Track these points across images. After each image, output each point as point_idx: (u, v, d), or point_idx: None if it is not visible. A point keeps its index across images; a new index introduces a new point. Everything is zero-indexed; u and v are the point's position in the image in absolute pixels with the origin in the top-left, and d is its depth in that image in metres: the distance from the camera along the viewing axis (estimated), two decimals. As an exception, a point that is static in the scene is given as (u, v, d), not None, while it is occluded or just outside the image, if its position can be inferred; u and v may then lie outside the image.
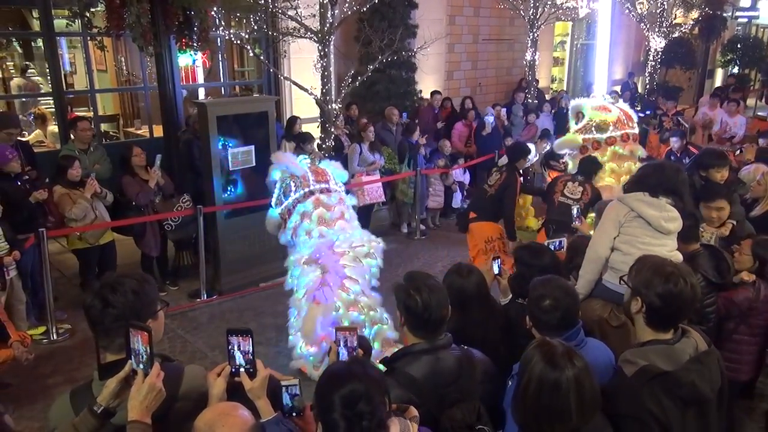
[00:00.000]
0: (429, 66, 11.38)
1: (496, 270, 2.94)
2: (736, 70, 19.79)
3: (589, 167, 5.46)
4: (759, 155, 5.79)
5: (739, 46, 19.45)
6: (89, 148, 6.12)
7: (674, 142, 7.79)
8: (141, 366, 1.71)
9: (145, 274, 2.25)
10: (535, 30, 10.97)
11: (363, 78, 7.99)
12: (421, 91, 10.70)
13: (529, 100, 11.09)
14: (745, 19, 21.13)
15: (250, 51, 7.46)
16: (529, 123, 10.26)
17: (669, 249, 2.91)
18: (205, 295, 6.19)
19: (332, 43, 7.64)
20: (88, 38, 7.98)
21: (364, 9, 7.82)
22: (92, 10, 6.71)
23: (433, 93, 10.37)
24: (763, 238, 3.51)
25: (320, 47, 7.20)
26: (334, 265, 4.47)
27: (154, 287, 1.92)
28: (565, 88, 15.82)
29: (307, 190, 4.84)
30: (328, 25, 7.07)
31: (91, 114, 8.30)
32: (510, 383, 2.09)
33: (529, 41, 11.13)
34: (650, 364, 1.98)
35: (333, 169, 5.22)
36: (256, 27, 7.15)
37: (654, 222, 2.84)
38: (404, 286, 2.17)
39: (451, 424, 2.02)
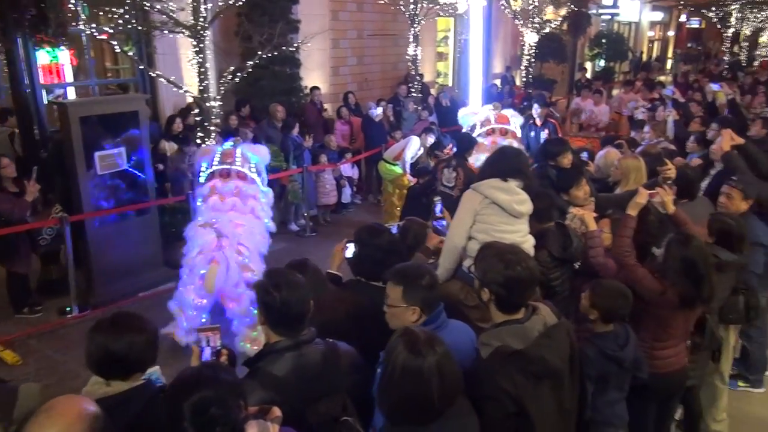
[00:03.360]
0: (314, 62, 11.30)
1: (349, 254, 2.97)
2: (602, 63, 21.50)
3: (465, 144, 5.65)
4: (604, 142, 6.28)
5: (604, 41, 21.15)
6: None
7: (535, 110, 8.23)
8: None
9: None
10: (415, 25, 11.20)
11: (243, 74, 7.77)
12: (306, 87, 10.61)
13: (414, 94, 11.33)
14: (608, 17, 22.89)
15: (117, 47, 6.99)
16: (422, 119, 10.50)
17: (522, 234, 3.05)
18: (77, 310, 5.75)
19: (209, 38, 7.37)
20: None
21: (241, 2, 7.57)
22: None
23: (312, 89, 10.31)
24: (616, 217, 3.81)
25: (195, 42, 6.91)
26: (230, 230, 4.77)
27: None
28: (450, 83, 16.34)
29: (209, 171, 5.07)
30: (201, 19, 6.79)
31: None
32: (378, 371, 2.11)
33: (411, 36, 11.35)
34: (503, 345, 2.07)
35: (251, 154, 5.23)
36: (121, 21, 6.70)
37: (507, 206, 2.96)
38: (263, 283, 2.12)
39: (316, 418, 2.00)
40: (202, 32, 6.86)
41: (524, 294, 2.19)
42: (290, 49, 8.59)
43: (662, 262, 2.99)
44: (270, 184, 7.88)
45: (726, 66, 19.16)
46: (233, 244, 4.73)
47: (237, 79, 7.57)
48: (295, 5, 10.04)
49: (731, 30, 20.43)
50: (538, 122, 8.23)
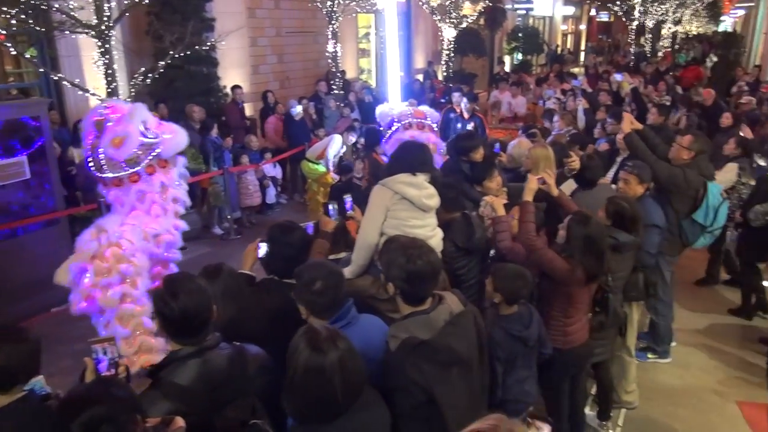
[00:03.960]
0: (232, 60, 11.06)
1: (261, 253, 2.95)
2: (520, 56, 22.23)
3: (373, 137, 5.74)
4: (525, 131, 6.52)
5: (520, 35, 21.87)
6: None
7: (456, 98, 8.49)
8: None
9: None
10: (334, 22, 11.17)
11: (156, 75, 7.49)
12: (225, 87, 10.36)
13: (335, 91, 11.30)
14: (524, 11, 23.67)
15: (12, 49, 6.56)
16: (344, 116, 10.48)
17: (431, 228, 3.12)
18: (-18, 331, 5.37)
19: (117, 38, 7.05)
20: None
21: (146, 1, 7.29)
22: None
23: (233, 88, 10.10)
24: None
25: (99, 43, 6.60)
26: (115, 228, 4.14)
27: None
28: (374, 79, 16.41)
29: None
30: (105, 18, 6.49)
31: None
32: None
33: (330, 33, 11.31)
34: (410, 336, 2.11)
35: None
36: (15, 22, 6.29)
37: (416, 201, 3.00)
38: (159, 292, 2.05)
39: (224, 423, 1.97)
40: (107, 32, 6.55)
41: (427, 286, 2.23)
42: (204, 48, 8.32)
43: (565, 242, 3.13)
44: (190, 187, 7.71)
45: (632, 57, 20.28)
46: (112, 239, 4.15)
47: (149, 81, 7.30)
48: (209, 3, 9.78)
49: (635, 23, 21.60)
50: (466, 115, 8.45)
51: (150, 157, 5.03)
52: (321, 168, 7.50)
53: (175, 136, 4.97)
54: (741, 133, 6.30)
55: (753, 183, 5.45)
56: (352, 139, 7.90)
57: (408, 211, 3.00)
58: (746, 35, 24.12)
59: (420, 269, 2.17)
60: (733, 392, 4.48)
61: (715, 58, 17.70)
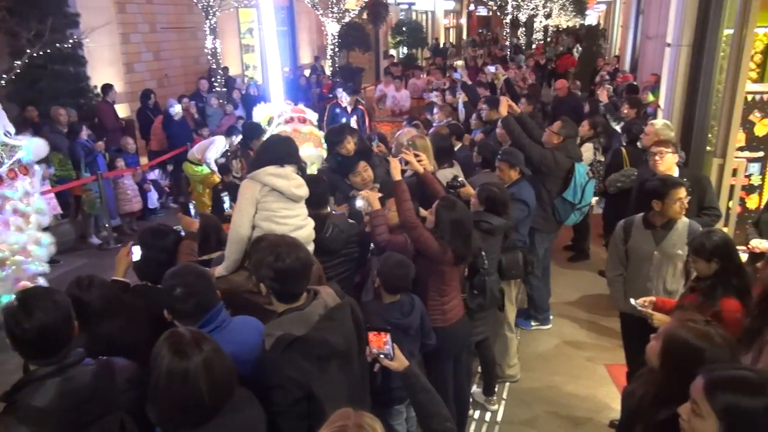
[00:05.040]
0: (103, 59, 10.41)
1: (136, 257, 2.84)
2: (405, 50, 22.71)
3: (252, 132, 5.71)
4: (409, 122, 6.71)
5: (404, 29, 22.34)
6: None
7: (340, 93, 8.64)
8: None
9: None
10: (211, 17, 10.81)
11: (11, 76, 6.89)
12: (96, 87, 9.72)
13: (217, 89, 10.97)
14: (406, 6, 24.22)
15: None
16: (228, 113, 10.18)
17: (302, 218, 3.15)
18: None
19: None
20: None
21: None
22: None
23: (104, 87, 9.52)
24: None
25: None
26: None
27: None
28: (260, 75, 16.06)
29: None
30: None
31: None
32: None
33: (208, 29, 10.94)
34: (285, 333, 2.11)
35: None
36: None
37: (286, 191, 3.02)
38: (11, 310, 1.90)
39: (90, 443, 1.88)
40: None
41: (298, 283, 2.23)
42: (67, 45, 7.75)
43: (435, 225, 3.28)
44: (61, 196, 7.18)
45: (509, 50, 21.40)
46: None
47: (3, 82, 6.70)
48: (71, -3, 9.12)
49: (509, 17, 22.80)
50: (348, 109, 8.54)
51: (12, 161, 4.68)
52: (204, 169, 7.24)
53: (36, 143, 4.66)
54: (599, 97, 6.82)
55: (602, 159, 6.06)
56: (236, 140, 7.66)
57: (278, 202, 3.01)
58: (608, 28, 26.25)
59: (289, 267, 2.17)
60: (602, 356, 4.91)
61: (581, 49, 19.09)
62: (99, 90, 9.64)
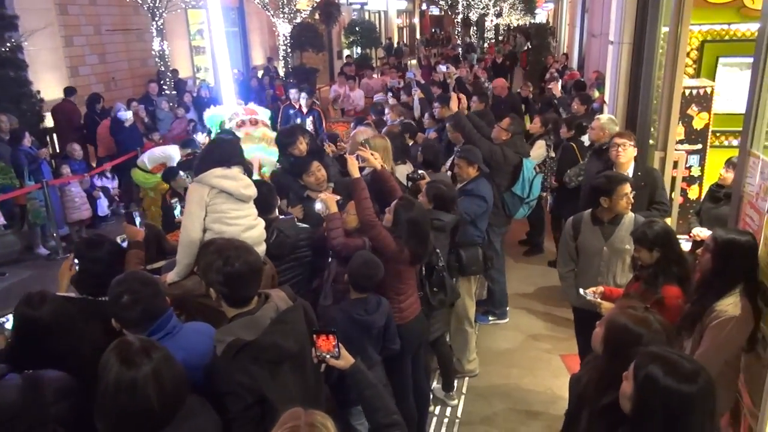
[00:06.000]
0: (45, 63, 10.05)
1: None
2: (359, 50, 22.71)
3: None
4: (357, 122, 6.75)
5: (357, 29, 22.33)
6: None
7: (293, 94, 8.73)
8: None
9: None
10: (158, 18, 10.57)
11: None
12: (39, 92, 9.36)
13: (166, 92, 10.74)
14: (358, 6, 24.22)
15: None
16: (179, 117, 9.97)
17: (253, 217, 3.15)
18: None
19: None
20: None
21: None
22: None
23: (68, 90, 9.25)
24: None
25: None
26: None
27: None
28: (212, 77, 15.77)
29: None
30: None
31: None
32: None
33: (155, 30, 10.69)
34: (235, 338, 2.09)
35: None
36: None
37: (235, 192, 3.02)
38: None
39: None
40: None
41: (248, 287, 2.21)
42: (4, 49, 7.44)
43: (392, 224, 3.30)
44: (4, 206, 6.90)
45: (461, 48, 21.67)
46: None
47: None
48: (8, -2, 8.77)
49: (461, 16, 23.09)
50: (304, 110, 8.49)
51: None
52: (154, 177, 7.06)
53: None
54: (553, 91, 6.97)
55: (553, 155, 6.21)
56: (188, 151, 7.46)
57: (227, 203, 3.01)
58: (556, 27, 26.88)
59: (238, 271, 2.15)
60: (558, 347, 5.04)
61: (530, 47, 19.50)
62: (42, 95, 9.31)
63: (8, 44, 7.55)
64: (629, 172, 4.41)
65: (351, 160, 3.52)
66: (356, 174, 3.45)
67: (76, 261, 2.83)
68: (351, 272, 3.09)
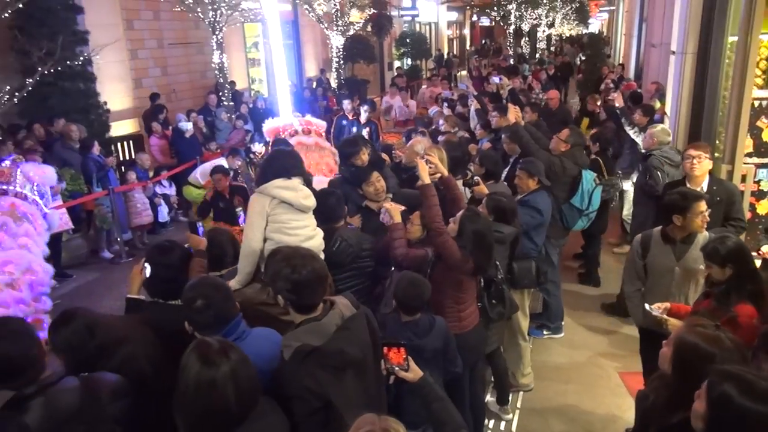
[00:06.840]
0: (112, 75, 10.54)
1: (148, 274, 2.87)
2: (409, 61, 22.84)
3: None
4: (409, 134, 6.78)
5: (408, 40, 22.47)
6: None
7: (346, 105, 8.86)
8: None
9: None
10: (218, 32, 10.93)
11: (23, 93, 6.97)
12: (106, 103, 9.82)
13: (225, 103, 11.06)
14: (409, 18, 24.37)
15: None
16: (237, 128, 10.26)
17: (312, 228, 3.21)
18: None
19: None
20: None
21: (7, 15, 6.77)
22: None
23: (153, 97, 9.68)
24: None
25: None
26: None
27: None
28: (266, 88, 16.17)
29: None
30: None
31: None
32: None
33: (215, 44, 11.06)
34: (303, 344, 2.13)
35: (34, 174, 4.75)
36: None
37: (295, 202, 3.08)
38: None
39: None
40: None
41: (314, 294, 2.25)
42: (76, 63, 7.84)
43: (457, 235, 3.29)
44: (73, 210, 7.25)
45: (512, 60, 21.49)
46: None
47: (16, 100, 6.79)
48: (80, 15, 9.24)
49: (512, 27, 22.92)
50: (362, 120, 8.61)
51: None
52: (205, 191, 7.23)
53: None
54: (615, 102, 6.84)
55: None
56: (238, 163, 7.67)
57: (287, 213, 3.07)
58: (611, 36, 26.32)
59: (305, 278, 2.20)
60: (615, 364, 4.89)
61: (584, 58, 19.14)
62: (108, 105, 9.76)
63: (81, 58, 7.94)
64: (704, 186, 4.21)
65: (422, 165, 3.51)
66: (427, 180, 3.44)
67: (146, 265, 2.94)
68: (398, 295, 3.03)
